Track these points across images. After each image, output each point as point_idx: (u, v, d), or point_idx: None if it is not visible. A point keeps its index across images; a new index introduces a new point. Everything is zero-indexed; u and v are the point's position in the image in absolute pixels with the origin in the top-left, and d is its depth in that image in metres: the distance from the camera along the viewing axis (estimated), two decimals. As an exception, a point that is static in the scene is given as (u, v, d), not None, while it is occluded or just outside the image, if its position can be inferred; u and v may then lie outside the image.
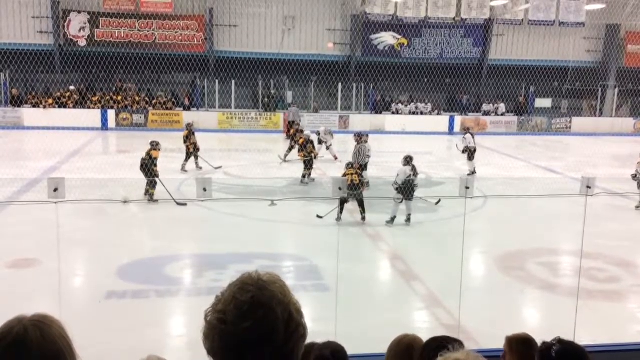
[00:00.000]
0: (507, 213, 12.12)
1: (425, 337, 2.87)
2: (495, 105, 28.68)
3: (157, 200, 11.82)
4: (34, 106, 24.53)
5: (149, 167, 12.01)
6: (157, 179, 11.89)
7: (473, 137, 16.33)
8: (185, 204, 11.51)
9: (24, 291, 7.29)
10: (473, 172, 15.80)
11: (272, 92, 27.06)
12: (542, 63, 28.36)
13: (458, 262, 6.47)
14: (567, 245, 10.14)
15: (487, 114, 28.40)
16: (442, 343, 2.25)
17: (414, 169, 11.10)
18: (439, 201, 11.95)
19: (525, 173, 17.03)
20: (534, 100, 29.34)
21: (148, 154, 12.21)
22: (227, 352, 1.22)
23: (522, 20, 29.12)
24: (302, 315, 1.29)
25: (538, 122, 28.16)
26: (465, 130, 16.92)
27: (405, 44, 28.61)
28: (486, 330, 6.35)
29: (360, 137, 14.44)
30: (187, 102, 26.07)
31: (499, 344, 3.20)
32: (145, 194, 11.95)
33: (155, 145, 12.35)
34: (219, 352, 1.23)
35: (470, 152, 16.14)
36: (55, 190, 5.05)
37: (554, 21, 29.21)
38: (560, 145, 24.73)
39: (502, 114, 28.34)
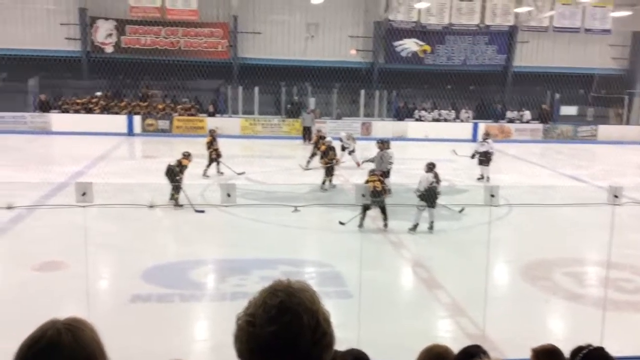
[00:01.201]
0: (532, 222, 11.99)
1: (449, 346, 2.86)
2: (520, 112, 28.40)
3: (182, 205, 11.94)
4: (61, 111, 24.96)
5: (175, 173, 12.18)
6: (179, 185, 12.05)
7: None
8: (203, 211, 11.60)
9: (51, 294, 7.41)
10: (486, 178, 15.67)
11: (295, 98, 27.15)
12: (567, 70, 28.01)
13: (482, 271, 6.42)
14: (594, 255, 10.00)
15: (511, 121, 28.14)
16: (473, 353, 2.24)
17: (436, 176, 11.07)
18: (463, 209, 11.87)
19: (550, 181, 16.83)
20: (559, 107, 28.98)
21: (178, 161, 12.45)
22: (253, 355, 1.25)
23: (547, 27, 28.83)
24: (330, 325, 1.30)
25: (563, 129, 27.79)
26: (486, 135, 16.71)
27: (429, 50, 28.51)
28: (511, 340, 6.29)
29: (383, 144, 14.43)
30: (211, 109, 26.28)
31: (524, 354, 3.17)
32: (170, 199, 12.10)
33: (187, 156, 12.74)
34: (247, 354, 1.26)
35: (486, 158, 16.00)
36: (83, 194, 5.13)
37: (580, 28, 28.87)
38: (586, 154, 24.38)
39: (527, 122, 28.05)
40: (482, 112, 28.54)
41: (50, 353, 1.31)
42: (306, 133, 23.72)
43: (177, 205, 11.99)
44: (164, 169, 12.38)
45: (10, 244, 9.69)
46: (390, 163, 14.14)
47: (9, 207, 10.69)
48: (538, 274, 8.99)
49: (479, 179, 16.00)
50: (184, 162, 12.58)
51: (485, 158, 16.02)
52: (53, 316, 1.40)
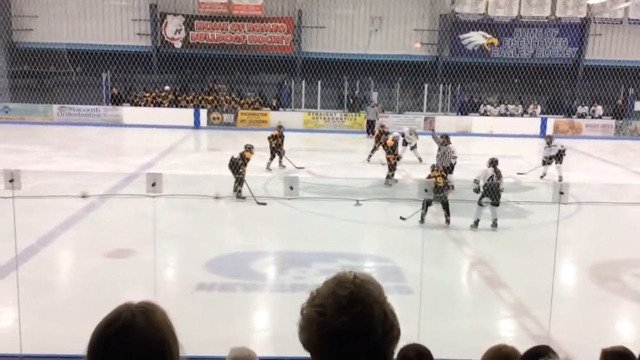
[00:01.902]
0: (601, 221, 11.54)
1: (513, 346, 2.81)
2: (592, 107, 27.31)
3: (244, 198, 12.16)
4: (132, 105, 25.88)
5: (239, 166, 12.41)
6: (243, 178, 12.27)
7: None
8: (265, 204, 11.76)
9: (120, 280, 7.73)
10: (559, 177, 15.05)
11: (356, 93, 27.08)
12: (643, 64, 26.76)
13: (547, 270, 6.24)
14: (668, 257, 9.53)
15: (581, 116, 27.10)
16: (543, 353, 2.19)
17: (497, 172, 10.80)
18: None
19: (622, 179, 16.13)
20: (633, 103, 27.66)
21: (241, 154, 12.67)
22: (323, 344, 1.26)
23: (622, 19, 27.56)
24: (395, 317, 1.31)
25: (638, 126, 26.54)
26: (549, 139, 15.85)
27: (496, 43, 27.83)
28: (577, 342, 6.09)
29: (446, 139, 14.23)
30: (274, 103, 26.60)
31: (591, 356, 3.07)
32: (234, 191, 12.35)
33: (250, 148, 12.90)
34: (316, 344, 1.28)
35: (558, 156, 15.34)
36: (153, 184, 5.31)
37: (658, 20, 27.47)
38: (662, 151, 23.20)
39: (599, 117, 26.94)
40: (552, 107, 27.63)
41: (125, 334, 1.36)
42: (370, 127, 23.67)
43: (240, 197, 12.22)
44: (228, 161, 12.64)
45: (83, 231, 10.16)
46: (454, 157, 13.92)
47: (83, 196, 11.15)
48: (606, 274, 8.66)
49: (542, 176, 15.43)
50: (247, 155, 12.80)
51: (558, 157, 15.32)
52: (123, 301, 1.45)
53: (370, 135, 22.22)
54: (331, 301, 1.26)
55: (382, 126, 18.25)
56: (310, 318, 1.28)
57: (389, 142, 14.96)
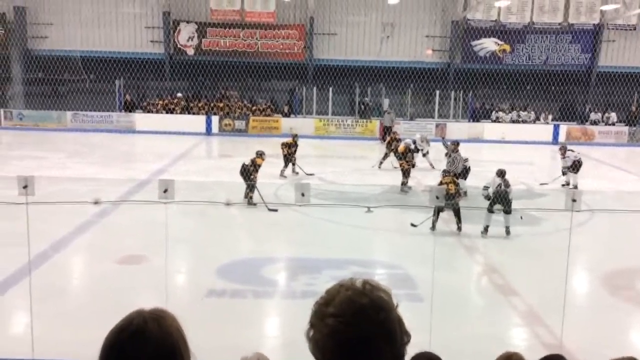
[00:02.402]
0: (615, 229, 11.44)
1: (524, 355, 2.79)
2: (606, 114, 27.11)
3: (255, 204, 12.19)
4: (145, 112, 26.06)
5: (250, 172, 12.45)
6: (254, 184, 12.31)
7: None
8: (276, 210, 11.78)
9: (132, 286, 7.76)
10: (573, 185, 14.87)
11: (366, 99, 27.07)
12: (657, 70, 26.56)
13: (560, 279, 6.19)
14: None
15: (594, 123, 26.92)
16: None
17: (505, 181, 10.77)
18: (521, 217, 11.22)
19: (636, 187, 15.98)
20: (647, 109, 27.46)
21: (252, 161, 12.69)
22: (340, 355, 1.24)
23: (636, 25, 27.39)
24: (404, 324, 1.31)
25: (651, 133, 26.31)
26: (563, 150, 15.60)
27: (508, 50, 27.76)
28: (590, 350, 6.04)
29: (456, 146, 14.18)
30: (286, 109, 26.67)
31: (605, 366, 3.03)
32: (245, 197, 12.38)
33: (260, 154, 12.92)
34: (331, 355, 1.25)
35: (574, 166, 15.12)
36: (165, 191, 5.35)
37: (672, 25, 27.27)
38: (677, 158, 22.97)
39: (613, 124, 26.74)
40: (564, 114, 27.49)
41: (137, 340, 1.38)
42: (387, 133, 23.70)
43: (251, 203, 12.24)
44: (239, 168, 12.67)
45: (95, 237, 10.21)
46: (466, 160, 13.91)
47: (96, 202, 11.27)
48: (620, 283, 8.57)
49: (563, 185, 15.28)
50: (258, 161, 12.82)
51: (574, 167, 15.09)
52: (134, 307, 1.47)
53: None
54: (349, 310, 1.24)
55: (394, 133, 18.23)
56: (326, 328, 1.24)
57: (401, 148, 14.94)
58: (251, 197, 12.30)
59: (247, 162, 12.74)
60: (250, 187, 12.29)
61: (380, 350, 1.24)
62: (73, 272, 9.03)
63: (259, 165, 12.80)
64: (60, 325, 6.57)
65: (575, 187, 14.49)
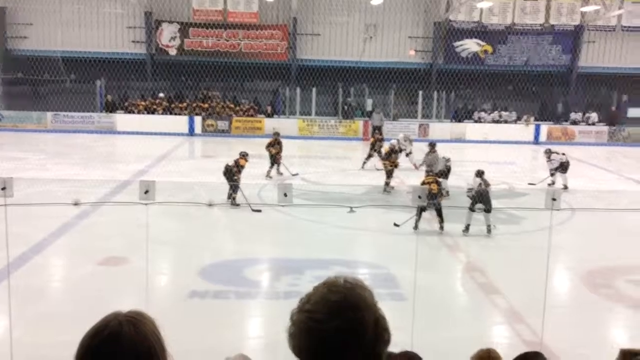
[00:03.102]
0: (595, 227, 11.58)
1: (505, 353, 2.81)
2: (587, 114, 27.44)
3: (239, 205, 12.15)
4: (126, 112, 25.84)
5: (233, 173, 12.40)
6: (237, 185, 12.27)
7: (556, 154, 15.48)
8: (260, 211, 11.75)
9: (113, 288, 7.69)
10: (563, 185, 14.99)
11: (349, 100, 27.12)
12: (636, 71, 26.88)
13: (541, 277, 6.24)
14: (662, 264, 9.56)
15: (575, 123, 27.23)
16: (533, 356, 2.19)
17: (484, 181, 10.95)
18: (491, 228, 11.23)
19: (615, 186, 16.19)
20: (626, 109, 27.82)
21: (236, 161, 12.66)
22: (314, 352, 1.25)
23: (615, 26, 27.75)
24: (386, 321, 1.31)
25: (631, 132, 26.66)
26: (548, 152, 15.72)
27: (490, 51, 27.96)
28: (571, 349, 6.10)
29: (434, 146, 14.31)
30: (269, 110, 26.61)
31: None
32: (228, 198, 12.33)
33: (244, 155, 12.92)
34: (307, 350, 1.26)
35: (562, 167, 15.21)
36: (146, 192, 5.30)
37: (651, 27, 27.67)
38: (655, 158, 23.31)
39: (593, 124, 27.07)
40: (544, 114, 27.78)
41: (112, 343, 1.36)
42: (378, 133, 23.82)
43: (235, 204, 12.20)
44: (222, 168, 12.62)
45: (75, 239, 10.10)
46: (448, 160, 14.00)
47: (76, 204, 11.13)
48: (600, 281, 8.67)
49: (549, 184, 15.37)
50: (241, 162, 12.78)
51: (562, 167, 15.19)
52: (114, 309, 1.45)
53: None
54: (323, 307, 1.25)
55: (378, 133, 18.30)
56: (302, 324, 1.26)
57: (386, 149, 14.99)
58: (234, 198, 12.26)
59: (231, 163, 12.70)
60: (234, 188, 12.26)
61: (350, 349, 1.23)
62: (53, 274, 8.92)
63: (243, 167, 12.77)
64: (40, 328, 6.49)
65: (565, 186, 14.66)
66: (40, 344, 5.96)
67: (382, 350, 1.29)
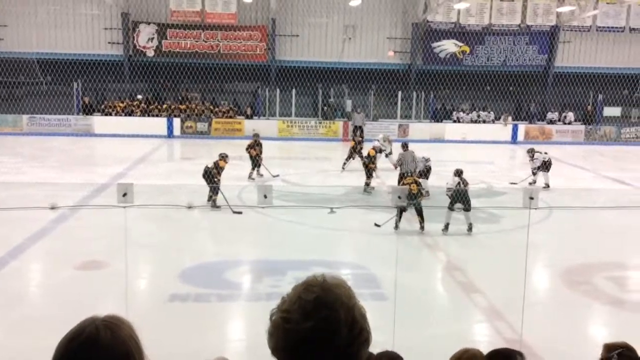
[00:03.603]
0: (573, 225, 11.73)
1: (486, 350, 2.82)
2: (563, 113, 27.81)
3: (219, 207, 12.09)
4: (103, 114, 25.56)
5: (212, 175, 12.34)
6: (217, 187, 12.21)
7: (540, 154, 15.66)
8: (240, 212, 11.70)
9: (92, 292, 7.60)
10: (545, 184, 15.17)
11: (330, 100, 27.17)
12: (611, 70, 27.36)
13: (521, 275, 6.31)
14: (637, 259, 9.73)
15: (552, 122, 27.59)
16: (509, 354, 2.20)
17: (462, 180, 11.08)
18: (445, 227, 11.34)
19: (592, 184, 16.43)
20: (602, 108, 28.26)
21: (215, 163, 12.58)
22: (289, 351, 1.24)
23: (590, 26, 28.20)
24: (366, 321, 1.29)
25: (606, 131, 27.09)
26: (531, 152, 15.91)
27: (468, 51, 28.21)
28: (550, 345, 6.16)
29: (406, 145, 14.42)
30: (248, 111, 26.53)
31: (564, 358, 3.10)
32: (208, 200, 12.26)
33: (224, 157, 12.86)
34: (282, 351, 1.25)
35: (545, 166, 15.38)
36: (124, 195, 5.25)
37: (624, 27, 28.15)
38: (630, 156, 23.68)
39: (569, 123, 27.44)
40: (522, 113, 28.10)
41: (89, 349, 1.33)
42: (357, 132, 23.96)
43: (215, 206, 12.14)
44: (202, 170, 12.55)
45: (53, 244, 9.96)
46: (427, 160, 14.09)
47: (53, 208, 10.95)
48: (578, 278, 8.79)
49: (530, 184, 15.52)
50: (221, 163, 12.73)
51: (544, 166, 15.37)
52: (93, 314, 1.43)
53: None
54: (296, 307, 1.24)
55: (358, 135, 18.35)
56: (277, 325, 1.26)
57: (370, 151, 14.96)
58: (215, 200, 12.19)
59: (210, 164, 12.63)
60: (214, 190, 12.19)
61: (326, 348, 1.22)
62: (31, 279, 8.79)
63: (222, 168, 12.71)
64: (19, 333, 6.39)
65: (547, 185, 14.86)
66: (19, 349, 5.87)
67: (360, 350, 1.27)
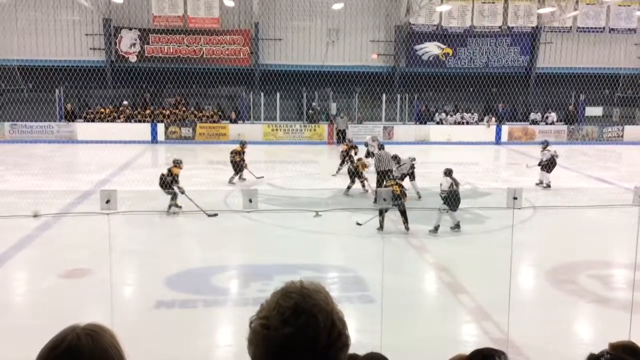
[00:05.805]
0: (556, 224, 11.83)
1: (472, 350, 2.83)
2: (546, 114, 28.07)
3: (176, 212, 11.96)
4: (86, 120, 25.35)
5: (168, 183, 12.17)
6: (177, 192, 12.03)
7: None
8: (216, 214, 11.58)
9: (77, 300, 7.52)
10: (546, 184, 15.34)
11: (314, 104, 27.17)
12: (592, 71, 27.66)
13: (506, 275, 6.34)
14: (621, 258, 9.83)
15: (535, 122, 27.83)
16: (489, 354, 2.20)
17: (454, 180, 11.11)
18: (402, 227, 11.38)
19: (575, 183, 16.58)
20: (584, 108, 28.58)
21: (169, 170, 12.42)
22: (269, 358, 1.24)
23: (571, 27, 28.52)
24: (345, 325, 1.29)
25: (589, 130, 27.40)
26: (545, 143, 16.16)
27: (450, 53, 28.39)
28: (536, 345, 6.20)
29: (382, 147, 14.47)
30: (233, 115, 26.46)
31: (550, 358, 3.11)
32: (169, 209, 12.09)
33: (178, 163, 12.60)
34: (262, 357, 1.25)
35: (549, 164, 15.53)
36: (108, 202, 5.20)
37: (604, 28, 28.50)
38: (612, 155, 24.00)
39: (552, 123, 27.71)
40: (506, 114, 28.30)
41: (70, 357, 1.32)
42: (343, 136, 24.04)
43: (171, 213, 11.94)
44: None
45: (36, 252, 9.84)
46: (413, 160, 14.16)
47: (36, 215, 10.83)
48: (563, 277, 8.85)
49: (537, 184, 15.61)
50: (175, 170, 12.38)
51: (549, 164, 15.52)
52: (77, 322, 1.42)
53: (341, 144, 22.25)
54: (275, 313, 1.24)
55: (349, 140, 18.35)
56: (256, 331, 1.25)
57: (362, 165, 14.82)
58: (176, 204, 12.04)
59: (165, 172, 12.46)
60: (172, 196, 12.04)
61: (304, 354, 1.22)
62: (15, 287, 8.67)
63: (177, 175, 12.42)
64: (2, 342, 6.30)
65: (549, 185, 15.06)
66: (3, 359, 5.79)
67: (339, 354, 1.27)
